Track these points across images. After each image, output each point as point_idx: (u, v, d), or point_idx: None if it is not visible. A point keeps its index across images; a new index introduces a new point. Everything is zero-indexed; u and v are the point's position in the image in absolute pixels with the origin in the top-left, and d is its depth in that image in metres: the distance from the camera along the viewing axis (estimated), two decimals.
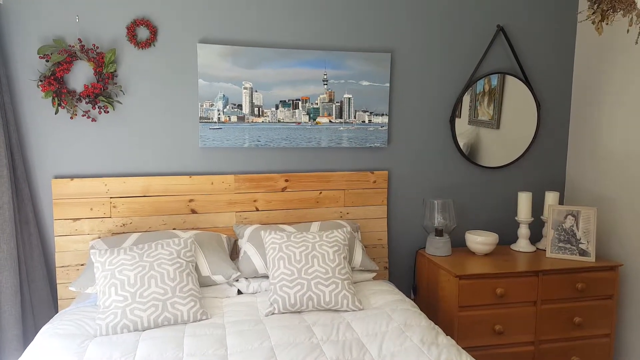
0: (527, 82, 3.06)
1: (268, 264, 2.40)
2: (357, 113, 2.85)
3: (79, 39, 2.40)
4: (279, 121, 2.76)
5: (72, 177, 2.55)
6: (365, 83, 2.83)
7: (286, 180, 2.80)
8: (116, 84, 2.52)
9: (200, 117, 2.64)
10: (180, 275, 2.20)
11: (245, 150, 2.76)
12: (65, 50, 2.38)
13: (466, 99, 2.99)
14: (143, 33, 2.52)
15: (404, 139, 2.98)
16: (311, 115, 2.80)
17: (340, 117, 2.84)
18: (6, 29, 2.37)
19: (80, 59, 2.43)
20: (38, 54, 2.35)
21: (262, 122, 2.73)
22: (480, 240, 2.85)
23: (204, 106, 2.63)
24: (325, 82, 2.78)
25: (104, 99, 2.46)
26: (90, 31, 2.46)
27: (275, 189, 2.79)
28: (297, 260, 2.34)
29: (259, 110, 2.72)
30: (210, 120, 2.65)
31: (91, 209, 2.55)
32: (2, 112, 2.28)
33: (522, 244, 3.00)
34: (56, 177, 2.53)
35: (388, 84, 2.85)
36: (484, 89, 3.01)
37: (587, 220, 2.79)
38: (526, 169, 3.19)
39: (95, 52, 2.44)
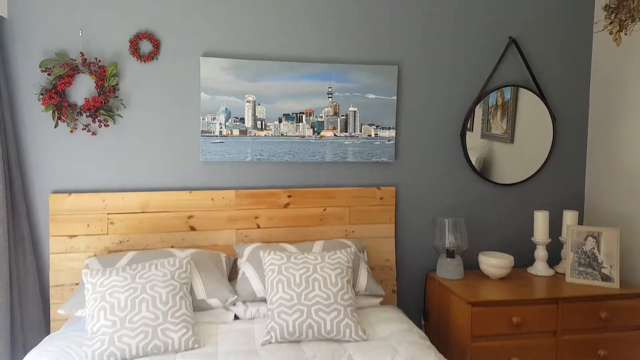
0: (541, 95, 2.93)
1: (266, 287, 2.29)
2: (363, 127, 2.76)
3: (81, 53, 2.38)
4: (282, 135, 2.68)
5: (70, 192, 2.50)
6: (371, 96, 2.74)
7: (289, 196, 2.71)
8: (117, 97, 2.48)
9: (202, 130, 2.58)
10: (173, 298, 2.11)
11: (247, 165, 2.69)
12: (67, 64, 2.36)
13: (478, 112, 2.88)
14: (146, 46, 2.49)
15: (412, 154, 2.87)
16: (315, 128, 2.72)
17: (346, 131, 2.75)
18: (10, 43, 2.37)
19: (82, 72, 2.40)
20: (40, 67, 2.33)
21: (265, 135, 2.66)
22: (494, 263, 2.69)
23: (206, 120, 2.58)
24: (330, 95, 2.70)
25: (104, 113, 2.43)
26: (93, 45, 2.44)
27: (278, 205, 2.69)
28: (296, 283, 2.22)
29: (261, 123, 2.65)
30: (212, 134, 2.59)
31: (88, 226, 2.49)
32: (0, 126, 2.25)
33: (540, 267, 2.83)
34: (55, 192, 2.49)
35: (395, 97, 2.76)
36: (496, 102, 2.90)
37: (610, 242, 2.62)
38: (542, 186, 3.03)
39: (97, 66, 2.41)
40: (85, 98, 2.40)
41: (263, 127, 2.65)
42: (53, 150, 2.47)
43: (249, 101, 2.61)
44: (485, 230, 2.99)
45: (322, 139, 2.73)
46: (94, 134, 2.48)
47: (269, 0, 2.62)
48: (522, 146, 2.95)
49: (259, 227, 2.68)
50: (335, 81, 2.69)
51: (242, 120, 2.62)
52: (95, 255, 2.48)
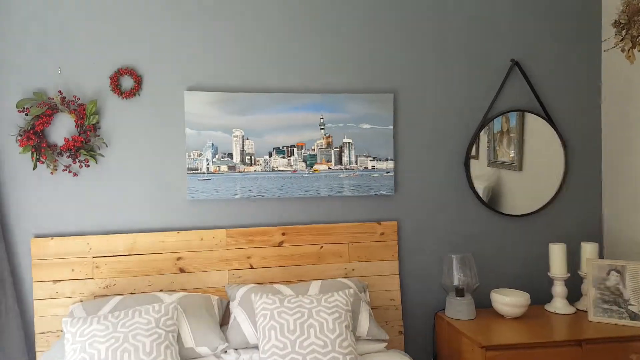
0: (549, 119, 2.75)
1: (258, 333, 2.11)
2: (358, 158, 2.61)
3: (59, 91, 2.31)
4: (273, 170, 2.54)
5: (52, 235, 2.39)
6: (366, 126, 2.60)
7: (283, 234, 2.55)
8: (99, 136, 2.39)
9: (188, 168, 2.46)
10: (157, 348, 1.95)
11: (237, 202, 2.55)
12: (45, 103, 2.29)
13: (483, 138, 2.71)
14: (127, 82, 2.42)
15: (413, 186, 2.70)
16: (308, 162, 2.58)
17: (340, 164, 2.60)
18: None
19: (61, 111, 2.33)
20: (17, 107, 2.27)
21: (255, 171, 2.53)
22: (508, 302, 2.47)
23: (192, 156, 2.46)
24: (322, 127, 2.57)
25: (85, 153, 2.33)
26: (73, 83, 2.37)
27: (271, 243, 2.53)
28: (290, 330, 2.04)
29: (251, 158, 2.52)
30: (199, 171, 2.47)
31: (72, 270, 2.36)
32: None
33: (559, 305, 2.59)
34: (36, 236, 2.38)
35: (392, 127, 2.62)
36: (502, 127, 2.73)
37: (636, 277, 2.38)
38: (557, 216, 2.82)
39: (76, 104, 2.33)
40: (65, 138, 2.32)
41: (252, 162, 2.52)
42: (34, 192, 2.37)
43: (236, 135, 2.49)
44: (497, 265, 2.77)
45: (315, 172, 2.59)
46: (75, 174, 2.38)
47: (255, 31, 2.53)
48: (532, 174, 2.75)
49: (252, 267, 2.51)
50: (327, 112, 2.56)
51: (230, 155, 2.50)
52: (81, 301, 2.34)
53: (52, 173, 2.35)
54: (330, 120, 2.56)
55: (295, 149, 2.56)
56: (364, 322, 2.28)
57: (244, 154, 2.51)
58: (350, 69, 2.62)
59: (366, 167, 2.62)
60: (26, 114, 2.28)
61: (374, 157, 2.62)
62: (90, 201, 2.42)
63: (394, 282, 2.64)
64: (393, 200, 2.68)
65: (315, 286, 2.38)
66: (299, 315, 2.08)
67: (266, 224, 2.57)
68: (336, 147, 2.59)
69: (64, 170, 2.36)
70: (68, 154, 2.33)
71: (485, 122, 2.71)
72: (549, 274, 2.61)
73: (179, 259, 2.45)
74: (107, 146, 2.41)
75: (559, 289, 2.60)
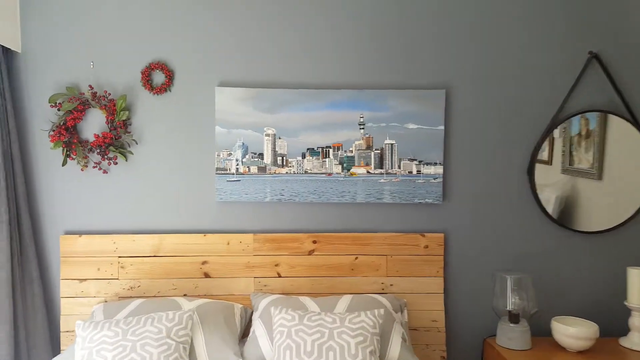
0: (634, 121, 2.32)
1: (274, 352, 1.94)
2: (402, 162, 2.35)
3: (90, 86, 2.26)
4: (305, 172, 2.35)
5: (81, 233, 2.37)
6: (412, 126, 2.33)
7: (314, 242, 2.35)
8: (130, 132, 2.33)
9: (217, 168, 2.33)
10: None
11: (266, 206, 2.38)
12: (76, 98, 2.25)
13: (558, 142, 2.34)
14: (158, 78, 2.32)
15: (464, 194, 2.39)
16: (345, 165, 2.35)
17: (381, 167, 2.35)
18: (24, 78, 2.31)
19: (92, 107, 2.28)
20: (49, 102, 2.25)
21: (287, 173, 2.35)
22: (573, 333, 2.11)
23: (221, 156, 2.33)
24: (361, 127, 2.33)
25: (114, 150, 2.28)
26: (105, 77, 2.31)
27: (301, 251, 2.35)
28: (307, 351, 1.85)
29: (282, 159, 2.35)
30: (228, 172, 2.34)
31: (98, 269, 2.33)
32: (8, 165, 2.18)
33: (636, 339, 2.19)
34: (67, 233, 2.37)
35: (442, 127, 2.32)
36: (580, 130, 2.34)
37: None
38: (638, 236, 2.38)
39: (106, 99, 2.28)
40: (95, 134, 2.27)
41: (284, 163, 2.35)
42: (64, 189, 2.35)
43: (268, 134, 2.32)
44: (560, 289, 2.40)
45: (352, 176, 2.36)
46: (105, 172, 2.33)
47: (288, 22, 2.34)
48: (613, 184, 2.34)
49: (279, 275, 2.35)
50: (367, 110, 2.32)
51: (261, 155, 2.34)
52: (105, 302, 2.31)
53: (82, 170, 2.32)
54: (370, 119, 2.32)
55: (330, 150, 2.35)
56: (395, 347, 2.03)
57: (275, 154, 2.34)
58: (395, 60, 2.35)
59: (410, 172, 2.35)
60: (58, 109, 2.26)
61: (420, 161, 2.34)
62: (119, 199, 2.36)
63: (438, 302, 2.36)
64: (440, 209, 2.39)
65: (344, 302, 2.17)
66: (319, 336, 1.88)
67: (296, 230, 2.39)
68: (377, 149, 2.35)
69: (94, 167, 2.31)
70: (98, 151, 2.28)
71: (555, 123, 2.34)
72: (625, 302, 2.20)
73: (204, 263, 2.34)
74: (137, 143, 2.33)
75: (636, 322, 2.19)
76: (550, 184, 2.35)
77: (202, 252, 2.34)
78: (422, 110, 2.31)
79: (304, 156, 2.35)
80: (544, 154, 2.35)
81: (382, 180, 2.36)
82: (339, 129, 2.33)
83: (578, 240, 2.40)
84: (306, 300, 2.19)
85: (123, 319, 1.97)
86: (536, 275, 2.38)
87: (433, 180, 2.35)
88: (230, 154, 2.33)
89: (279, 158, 2.34)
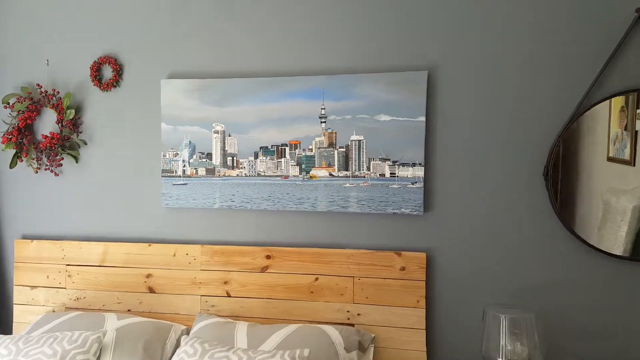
0: None
1: None
2: (372, 163, 1.91)
3: (38, 85, 2.15)
4: (258, 174, 2.01)
5: (34, 238, 2.25)
6: (384, 118, 1.88)
7: (268, 257, 1.99)
8: (81, 132, 2.18)
9: (163, 169, 2.08)
10: None
11: (215, 213, 2.07)
12: (25, 98, 2.15)
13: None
14: (107, 73, 2.15)
15: (452, 203, 1.87)
16: (303, 166, 1.97)
17: (347, 169, 1.93)
18: None
19: (44, 106, 2.17)
20: (2, 103, 2.17)
21: (237, 175, 2.03)
22: None
23: (167, 156, 2.08)
24: (323, 120, 1.94)
25: (62, 151, 2.14)
26: (61, 76, 2.19)
27: (253, 267, 2.00)
28: None
29: (233, 160, 2.03)
30: (174, 174, 2.08)
31: (47, 277, 2.18)
32: None
33: None
34: (23, 237, 2.26)
35: (423, 118, 1.85)
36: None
37: None
38: None
39: (54, 98, 2.15)
40: (43, 135, 2.15)
41: (234, 164, 2.03)
42: (19, 191, 2.26)
43: (216, 131, 2.03)
44: (580, 334, 1.77)
45: (312, 179, 1.97)
46: (55, 174, 2.20)
47: (238, 4, 2.02)
48: None
49: (229, 295, 2.01)
50: (330, 100, 1.92)
51: (209, 156, 2.04)
52: (53, 311, 2.16)
53: (35, 172, 2.21)
54: (334, 110, 1.92)
55: (287, 149, 1.98)
56: None
57: (225, 154, 2.03)
58: (363, 38, 1.92)
59: (383, 175, 1.90)
60: (11, 111, 2.18)
61: (394, 162, 1.88)
62: (69, 204, 2.21)
63: (418, 339, 1.85)
64: (421, 222, 1.90)
65: (280, 334, 1.76)
66: None
67: (248, 243, 2.04)
68: (341, 147, 1.93)
69: (46, 169, 2.20)
70: (48, 153, 2.16)
71: (582, 110, 1.75)
72: None
73: (148, 276, 2.09)
74: (85, 144, 2.17)
75: None
76: (630, 189, 1.73)
77: (147, 264, 2.10)
78: (397, 98, 1.86)
79: (256, 156, 2.01)
80: (627, 152, 1.74)
81: (347, 185, 1.93)
82: (297, 124, 1.96)
83: (612, 266, 1.75)
84: (240, 328, 1.83)
85: (27, 336, 1.77)
86: (545, 312, 1.77)
87: (411, 186, 1.87)
88: (177, 154, 2.07)
89: (229, 158, 2.03)
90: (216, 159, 2.04)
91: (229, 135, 2.02)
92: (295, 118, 1.95)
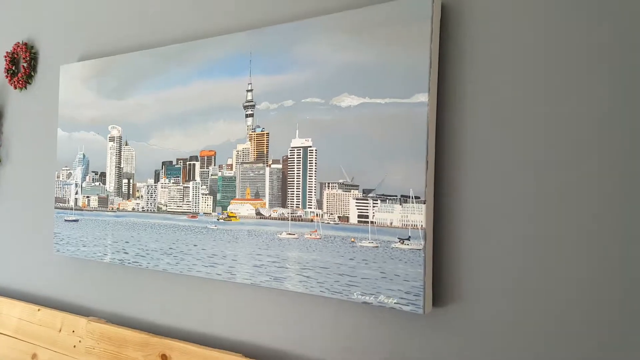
0: None
1: None
2: (326, 192, 0.93)
3: None
4: (159, 209, 1.18)
5: None
6: (350, 102, 0.90)
7: (163, 357, 1.13)
8: (0, 146, 1.64)
9: (56, 198, 1.40)
10: None
11: (105, 270, 1.29)
12: None
13: None
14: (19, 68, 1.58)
15: (493, 291, 0.78)
16: (219, 195, 1.09)
17: (283, 204, 0.99)
18: None
19: None
20: None
21: (133, 210, 1.23)
22: None
23: (61, 177, 1.39)
24: (249, 111, 1.04)
25: None
26: None
27: None
28: None
29: (128, 184, 1.24)
30: (67, 204, 1.37)
31: None
32: None
33: None
34: None
35: (425, 98, 0.82)
36: None
37: None
38: None
39: None
40: None
41: (130, 192, 1.24)
42: None
43: (112, 138, 1.27)
44: None
45: (231, 221, 1.06)
46: None
47: None
48: None
49: None
50: (260, 72, 1.02)
51: (103, 176, 1.29)
52: None
53: None
54: (266, 91, 1.01)
55: (197, 165, 1.12)
56: None
57: (120, 174, 1.26)
58: None
59: (345, 219, 0.91)
60: None
61: (366, 192, 0.89)
62: None
63: None
64: (422, 327, 0.84)
65: None
66: None
67: (142, 327, 1.21)
68: (276, 162, 1.00)
69: None
70: None
71: None
72: None
73: (34, 356, 1.40)
74: (0, 161, 1.62)
75: None
76: None
77: (34, 338, 1.41)
78: (374, 61, 0.88)
79: (157, 177, 1.19)
80: None
81: (284, 236, 0.99)
82: (212, 120, 1.09)
83: None
84: None
85: None
86: None
87: (400, 245, 0.84)
88: (70, 174, 1.37)
89: (124, 182, 1.25)
90: (110, 183, 1.27)
91: (126, 144, 1.25)
92: (209, 110, 1.09)
